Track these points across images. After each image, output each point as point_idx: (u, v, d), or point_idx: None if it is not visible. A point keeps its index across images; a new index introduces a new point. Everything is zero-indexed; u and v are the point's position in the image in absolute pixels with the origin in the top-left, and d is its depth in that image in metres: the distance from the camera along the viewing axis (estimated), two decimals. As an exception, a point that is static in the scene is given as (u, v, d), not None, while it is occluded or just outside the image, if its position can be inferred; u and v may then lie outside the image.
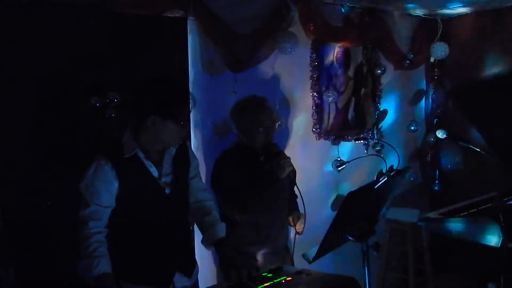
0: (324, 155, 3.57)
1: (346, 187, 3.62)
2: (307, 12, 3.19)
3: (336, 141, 3.60)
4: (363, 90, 3.80)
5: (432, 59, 4.01)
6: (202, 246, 2.30)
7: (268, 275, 1.95)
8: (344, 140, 3.66)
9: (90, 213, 1.91)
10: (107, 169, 1.90)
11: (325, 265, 2.67)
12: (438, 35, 3.96)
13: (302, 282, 1.88)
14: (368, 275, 2.01)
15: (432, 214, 2.74)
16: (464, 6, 3.66)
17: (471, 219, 2.50)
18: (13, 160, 2.25)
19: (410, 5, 3.65)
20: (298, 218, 2.57)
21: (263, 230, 2.51)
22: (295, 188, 2.52)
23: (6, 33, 2.20)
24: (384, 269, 3.77)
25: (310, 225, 2.78)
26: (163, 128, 1.93)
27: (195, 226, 2.39)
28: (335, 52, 3.55)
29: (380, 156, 3.39)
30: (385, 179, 1.93)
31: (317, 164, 3.53)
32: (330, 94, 3.48)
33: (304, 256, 2.04)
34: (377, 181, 1.93)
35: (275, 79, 3.24)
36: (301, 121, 3.42)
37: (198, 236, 2.49)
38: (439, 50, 3.84)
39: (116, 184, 1.93)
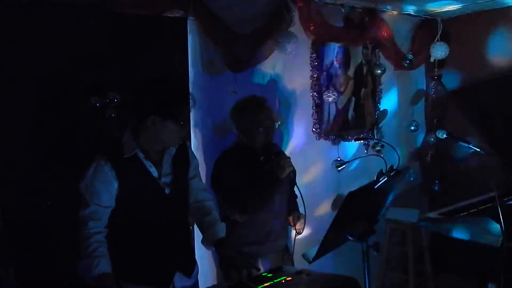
0: (324, 155, 3.57)
1: (346, 187, 3.61)
2: (307, 12, 3.19)
3: (336, 141, 3.60)
4: (363, 90, 3.80)
5: (432, 59, 4.01)
6: (202, 246, 2.30)
7: (268, 275, 1.95)
8: (344, 140, 3.66)
9: (90, 213, 1.91)
10: (106, 169, 1.91)
11: (325, 265, 2.68)
12: (438, 35, 3.96)
13: (302, 282, 1.88)
14: (368, 275, 2.01)
15: (432, 214, 2.74)
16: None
17: (471, 219, 2.49)
18: (13, 160, 2.25)
19: (408, 6, 3.65)
20: (298, 218, 2.57)
21: (263, 230, 2.51)
22: (295, 188, 2.52)
23: (6, 33, 2.20)
24: (384, 269, 3.78)
25: (310, 225, 2.79)
26: (163, 128, 1.93)
27: (195, 226, 2.39)
28: (335, 52, 3.55)
29: (380, 156, 3.39)
30: (385, 179, 1.93)
31: (317, 164, 3.53)
32: (330, 94, 3.48)
33: (304, 256, 2.04)
34: (377, 181, 1.93)
35: (275, 79, 3.24)
36: (301, 121, 3.42)
37: (198, 236, 2.49)
38: (439, 50, 3.84)
39: (115, 184, 1.93)
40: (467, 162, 3.89)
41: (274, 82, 3.23)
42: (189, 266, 2.18)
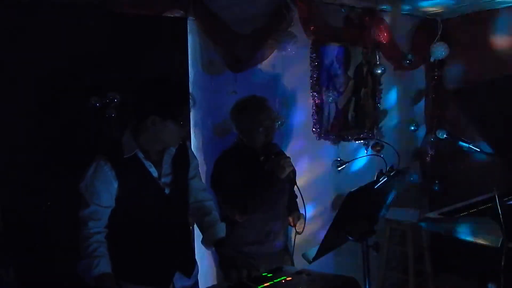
0: (324, 155, 3.57)
1: (346, 187, 3.61)
2: (307, 12, 3.19)
3: (336, 141, 3.60)
4: (363, 90, 3.80)
5: (432, 59, 4.01)
6: (202, 246, 2.30)
7: (268, 275, 1.95)
8: (344, 140, 3.66)
9: (90, 213, 1.91)
10: (106, 169, 1.91)
11: (325, 265, 2.68)
12: (438, 35, 3.95)
13: (302, 282, 1.88)
14: (368, 275, 2.01)
15: (432, 214, 2.74)
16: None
17: (471, 219, 2.49)
18: (13, 160, 2.25)
19: (405, 6, 3.65)
20: (298, 218, 2.57)
21: (263, 230, 2.51)
22: (295, 188, 2.52)
23: (6, 33, 2.20)
24: (384, 269, 3.77)
25: (310, 225, 2.79)
26: (163, 128, 1.93)
27: (195, 226, 2.39)
28: (335, 52, 3.55)
29: (380, 156, 3.39)
30: (385, 179, 1.93)
31: (317, 164, 3.53)
32: (330, 94, 3.48)
33: (304, 256, 2.04)
34: (377, 181, 1.93)
35: (275, 79, 3.24)
36: (301, 121, 3.42)
37: (198, 236, 2.49)
38: (439, 50, 3.84)
39: (115, 184, 1.93)
40: (467, 162, 3.89)
41: (274, 82, 3.23)
42: (189, 266, 2.18)
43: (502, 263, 2.21)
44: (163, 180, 2.04)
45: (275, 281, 1.88)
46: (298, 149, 3.36)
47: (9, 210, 2.22)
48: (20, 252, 2.24)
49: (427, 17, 4.01)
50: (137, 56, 2.53)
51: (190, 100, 2.72)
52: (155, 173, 2.00)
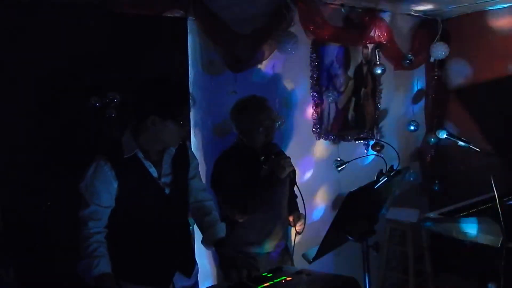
0: (324, 155, 3.57)
1: (346, 187, 3.61)
2: (307, 12, 3.19)
3: (336, 141, 3.60)
4: (363, 90, 3.80)
5: (432, 59, 4.01)
6: (202, 246, 2.30)
7: (268, 275, 1.95)
8: (344, 140, 3.66)
9: (90, 213, 1.91)
10: (106, 169, 1.91)
11: (325, 265, 2.68)
12: (438, 35, 3.95)
13: (302, 282, 1.88)
14: (368, 275, 2.01)
15: (432, 214, 2.74)
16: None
17: (471, 219, 2.49)
18: (13, 160, 2.25)
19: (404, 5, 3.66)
20: (298, 218, 2.57)
21: (263, 230, 2.51)
22: (295, 188, 2.52)
23: (6, 33, 2.20)
24: (384, 269, 3.78)
25: (310, 225, 2.78)
26: (162, 128, 1.93)
27: (195, 226, 2.39)
28: (335, 52, 3.55)
29: (380, 156, 3.39)
30: (385, 179, 1.93)
31: (317, 164, 3.53)
32: (330, 94, 3.48)
33: (304, 256, 2.04)
34: (377, 181, 1.93)
35: (275, 79, 3.24)
36: (301, 121, 3.42)
37: (198, 236, 2.49)
38: (439, 50, 3.84)
39: (115, 184, 1.93)
40: (467, 162, 3.89)
41: (274, 82, 3.23)
42: (189, 266, 2.18)
43: (502, 263, 2.21)
44: (163, 180, 2.04)
45: (275, 281, 1.88)
46: (298, 149, 3.36)
47: (9, 210, 2.22)
48: (20, 252, 2.25)
49: (427, 17, 4.01)
50: (137, 56, 2.53)
51: (190, 100, 2.73)
52: (155, 173, 2.00)
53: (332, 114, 3.59)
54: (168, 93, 1.95)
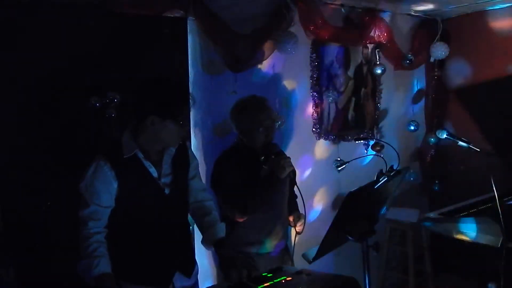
0: (324, 155, 3.57)
1: (346, 187, 3.61)
2: (307, 12, 3.19)
3: (336, 141, 3.60)
4: (363, 90, 3.80)
5: (432, 59, 4.01)
6: (202, 246, 2.30)
7: (268, 275, 1.95)
8: (344, 140, 3.66)
9: (90, 213, 1.91)
10: (106, 169, 1.91)
11: (325, 265, 2.68)
12: (438, 35, 3.96)
13: (302, 282, 1.88)
14: (368, 275, 2.01)
15: (432, 214, 2.74)
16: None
17: (471, 219, 2.49)
18: (13, 160, 2.25)
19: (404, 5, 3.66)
20: (298, 218, 2.57)
21: (263, 230, 2.51)
22: (295, 188, 2.52)
23: (6, 33, 2.20)
24: (384, 269, 3.78)
25: (310, 225, 2.78)
26: (162, 128, 1.93)
27: (195, 226, 2.39)
28: (335, 52, 3.55)
29: (380, 156, 3.39)
30: (385, 179, 1.93)
31: (317, 164, 3.53)
32: (330, 94, 3.48)
33: (304, 256, 2.04)
34: (377, 181, 1.93)
35: (275, 79, 3.24)
36: (301, 121, 3.42)
37: (198, 236, 2.49)
38: (439, 50, 3.84)
39: (115, 185, 1.93)
40: (467, 162, 3.89)
41: (274, 82, 3.23)
42: (189, 266, 2.18)
43: (502, 263, 2.21)
44: (163, 180, 2.04)
45: (275, 281, 1.88)
46: (298, 149, 3.36)
47: (9, 210, 2.22)
48: (20, 252, 2.25)
49: (427, 17, 4.01)
50: (137, 56, 2.53)
51: (190, 100, 2.73)
52: (155, 173, 2.00)
53: (332, 114, 3.59)
54: (168, 93, 1.95)
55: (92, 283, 1.84)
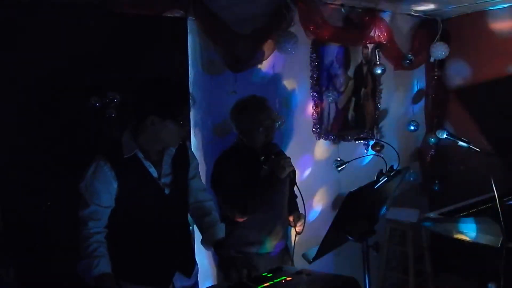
0: (324, 155, 3.57)
1: (346, 187, 3.62)
2: (307, 12, 3.19)
3: (336, 141, 3.60)
4: (363, 90, 3.80)
5: (432, 59, 4.01)
6: (202, 246, 2.30)
7: (268, 275, 1.95)
8: (344, 140, 3.66)
9: (90, 213, 1.91)
10: (106, 169, 1.91)
11: (325, 265, 2.68)
12: (438, 35, 3.96)
13: (302, 282, 1.88)
14: (368, 275, 2.01)
15: (432, 214, 2.74)
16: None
17: (471, 219, 2.50)
18: (13, 160, 2.25)
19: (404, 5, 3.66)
20: (298, 218, 2.56)
21: (263, 230, 2.51)
22: (295, 188, 2.52)
23: (6, 33, 2.20)
24: (384, 269, 3.77)
25: (310, 225, 2.78)
26: (162, 128, 1.93)
27: (195, 226, 2.39)
28: (335, 52, 3.55)
29: (380, 156, 3.39)
30: (385, 179, 1.93)
31: (317, 164, 3.53)
32: (330, 94, 3.48)
33: (304, 256, 2.04)
34: (377, 181, 1.93)
35: (275, 79, 3.24)
36: (301, 121, 3.42)
37: (198, 236, 2.49)
38: (439, 50, 3.84)
39: (115, 185, 1.93)
40: (467, 162, 3.89)
41: (274, 82, 3.23)
42: (189, 266, 2.18)
43: (502, 263, 2.21)
44: (163, 180, 2.04)
45: (275, 281, 1.88)
46: (298, 149, 3.36)
47: (9, 210, 2.22)
48: (20, 252, 2.25)
49: (427, 17, 4.01)
50: (137, 56, 2.53)
51: (190, 100, 2.73)
52: (155, 173, 2.00)
53: (332, 114, 3.59)
54: (168, 93, 1.95)
55: (92, 283, 1.84)
